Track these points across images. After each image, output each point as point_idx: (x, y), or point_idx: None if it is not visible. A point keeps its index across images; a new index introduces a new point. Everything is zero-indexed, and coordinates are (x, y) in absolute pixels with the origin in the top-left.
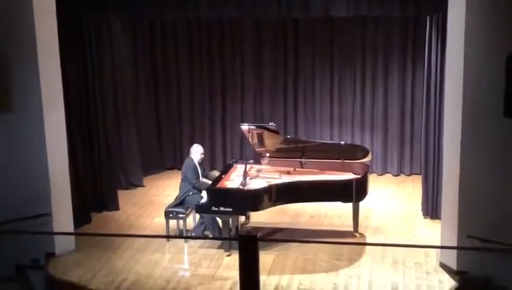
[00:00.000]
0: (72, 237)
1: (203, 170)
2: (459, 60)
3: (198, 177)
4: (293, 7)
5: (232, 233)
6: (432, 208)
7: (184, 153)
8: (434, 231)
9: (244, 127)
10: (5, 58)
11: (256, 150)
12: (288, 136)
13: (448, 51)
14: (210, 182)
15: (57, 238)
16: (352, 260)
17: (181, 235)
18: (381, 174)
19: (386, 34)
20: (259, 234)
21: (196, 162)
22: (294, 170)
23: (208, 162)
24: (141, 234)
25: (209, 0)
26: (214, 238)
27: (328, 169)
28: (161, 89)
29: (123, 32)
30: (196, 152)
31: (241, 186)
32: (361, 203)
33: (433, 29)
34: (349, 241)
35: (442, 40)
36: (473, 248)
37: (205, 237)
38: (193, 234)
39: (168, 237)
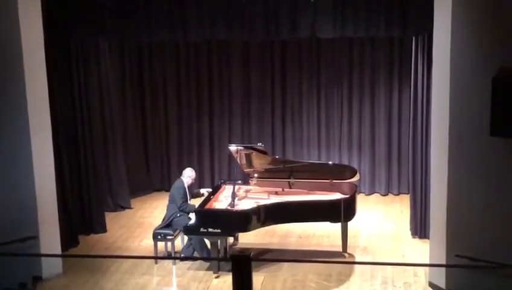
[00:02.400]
0: (60, 261)
1: (191, 192)
2: (445, 80)
3: (186, 201)
4: (281, 29)
5: (220, 254)
6: (420, 228)
7: (172, 174)
8: (423, 251)
9: (232, 147)
10: None
11: (245, 170)
12: (277, 157)
13: (434, 71)
14: (196, 206)
15: (44, 261)
16: (341, 281)
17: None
18: (369, 194)
19: (372, 55)
20: (252, 254)
21: (186, 186)
22: (283, 190)
23: (196, 182)
24: (130, 255)
25: (197, 23)
26: (206, 258)
27: (316, 189)
28: (148, 110)
29: (110, 55)
30: (188, 176)
31: (229, 207)
32: (349, 223)
33: (419, 50)
34: (340, 260)
35: (428, 60)
36: (460, 266)
37: (197, 258)
38: (182, 256)
39: (158, 258)
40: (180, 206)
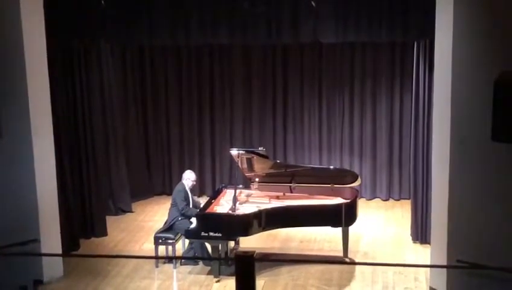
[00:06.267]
0: (60, 264)
1: (193, 196)
2: (446, 84)
3: (188, 204)
4: (282, 33)
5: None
6: (421, 233)
7: (173, 178)
8: (424, 256)
9: (234, 152)
10: None
11: (246, 174)
12: (278, 161)
13: (435, 76)
14: (198, 209)
15: (45, 265)
16: (342, 286)
17: (171, 260)
18: (370, 199)
19: (373, 60)
20: (256, 253)
21: (187, 188)
22: (284, 194)
23: (198, 186)
24: (131, 255)
25: (199, 27)
26: (209, 258)
27: (317, 194)
28: (150, 114)
29: (112, 58)
30: (188, 178)
31: (230, 212)
32: (350, 228)
33: (420, 54)
34: (341, 261)
35: (429, 65)
36: (461, 267)
37: (200, 257)
38: (183, 261)
39: (160, 257)
40: (182, 209)
